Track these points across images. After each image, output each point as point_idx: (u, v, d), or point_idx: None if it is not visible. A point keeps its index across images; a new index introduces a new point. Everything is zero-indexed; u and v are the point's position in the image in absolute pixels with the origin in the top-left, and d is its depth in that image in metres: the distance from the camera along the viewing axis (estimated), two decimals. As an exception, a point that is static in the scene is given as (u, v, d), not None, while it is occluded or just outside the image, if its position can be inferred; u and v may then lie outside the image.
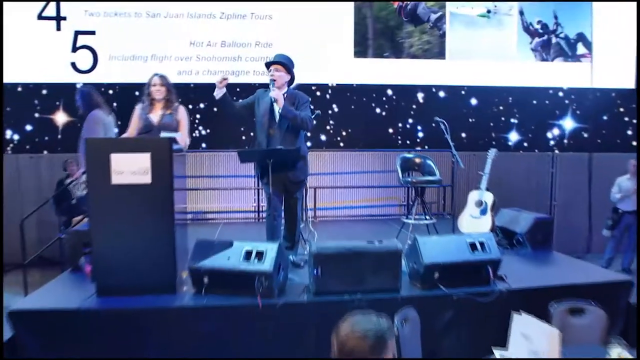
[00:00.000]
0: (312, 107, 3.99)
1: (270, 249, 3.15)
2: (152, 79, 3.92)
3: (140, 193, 3.11)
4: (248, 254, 3.16)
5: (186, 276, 3.30)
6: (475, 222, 4.48)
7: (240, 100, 4.01)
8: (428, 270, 3.31)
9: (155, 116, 3.87)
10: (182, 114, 3.95)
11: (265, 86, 3.98)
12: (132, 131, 3.89)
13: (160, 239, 3.17)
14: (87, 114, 4.70)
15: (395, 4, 6.67)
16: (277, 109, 3.76)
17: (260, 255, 3.14)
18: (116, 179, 3.10)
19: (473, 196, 4.60)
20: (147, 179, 3.11)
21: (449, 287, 3.31)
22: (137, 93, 6.34)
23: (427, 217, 4.76)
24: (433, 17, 6.74)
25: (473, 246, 3.46)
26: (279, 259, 3.17)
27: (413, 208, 4.80)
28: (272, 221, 3.81)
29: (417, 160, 4.93)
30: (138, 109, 3.93)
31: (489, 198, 4.51)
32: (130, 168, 3.10)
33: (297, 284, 3.44)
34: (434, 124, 4.78)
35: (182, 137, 3.76)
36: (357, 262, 3.17)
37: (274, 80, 3.79)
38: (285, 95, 3.83)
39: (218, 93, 3.74)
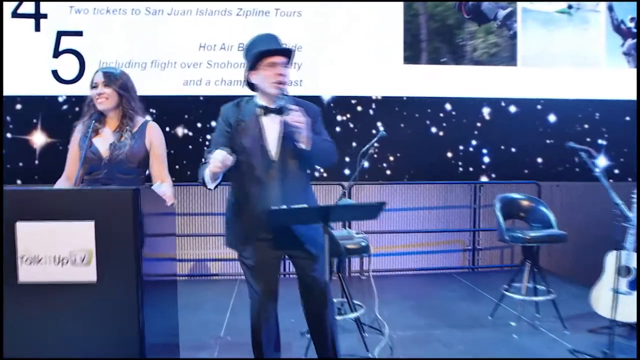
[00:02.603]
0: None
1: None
2: (94, 78, 2.29)
3: (76, 301, 1.47)
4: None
5: None
6: (623, 301, 2.77)
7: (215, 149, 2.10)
8: None
9: (103, 142, 2.23)
10: (153, 135, 2.31)
11: (226, 99, 2.30)
12: (70, 171, 2.27)
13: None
14: None
15: (455, -2, 5.05)
16: (275, 137, 2.09)
17: None
18: (27, 274, 1.47)
19: (613, 260, 2.89)
20: (88, 272, 1.47)
21: None
22: (133, 108, 4.89)
23: (541, 285, 3.07)
24: (501, 13, 5.10)
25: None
26: None
27: (522, 276, 3.11)
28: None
29: (525, 203, 3.29)
30: (77, 131, 2.32)
31: (641, 264, 2.82)
32: (56, 251, 1.47)
33: None
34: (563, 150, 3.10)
35: (167, 190, 2.13)
36: None
37: (283, 85, 2.09)
38: (287, 109, 2.08)
39: (213, 179, 2.04)
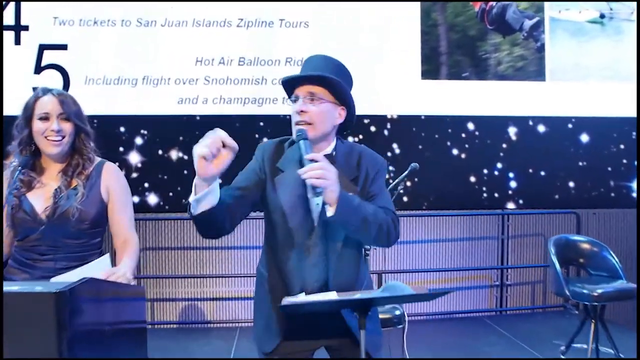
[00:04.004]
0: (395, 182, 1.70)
1: None
2: (38, 102, 1.67)
3: None
4: None
5: None
6: None
7: (230, 188, 1.59)
8: None
9: (40, 194, 1.65)
10: (111, 179, 1.74)
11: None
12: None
13: None
14: None
15: (477, 6, 4.52)
16: (316, 202, 1.55)
17: None
18: None
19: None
20: None
21: None
22: (122, 129, 4.36)
23: (606, 348, 2.50)
24: (527, 23, 4.57)
25: None
26: None
27: (588, 337, 2.54)
28: None
29: (585, 246, 2.74)
30: (5, 180, 1.74)
31: None
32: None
33: None
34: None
35: (125, 270, 1.56)
36: None
37: (302, 131, 1.56)
38: (333, 156, 1.62)
39: (202, 188, 1.38)
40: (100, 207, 1.70)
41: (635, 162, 4.70)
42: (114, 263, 1.69)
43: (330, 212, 1.44)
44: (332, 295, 1.30)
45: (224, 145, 1.34)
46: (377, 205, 1.55)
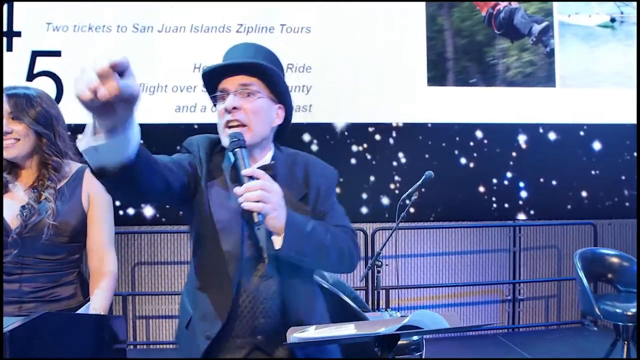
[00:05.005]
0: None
1: None
2: None
3: None
4: None
5: None
6: None
7: (168, 159, 1.23)
8: None
9: (10, 206, 1.46)
10: (92, 187, 1.53)
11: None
12: None
13: None
14: None
15: (484, 10, 4.36)
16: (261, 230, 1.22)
17: None
18: None
19: None
20: None
21: None
22: (117, 138, 4.18)
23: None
24: (536, 28, 4.41)
25: None
26: None
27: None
28: None
29: (614, 260, 2.54)
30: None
31: None
32: None
33: None
34: None
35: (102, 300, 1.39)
36: None
37: (238, 136, 1.20)
38: (272, 167, 1.30)
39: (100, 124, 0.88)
40: (82, 217, 1.52)
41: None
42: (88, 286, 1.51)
43: (277, 243, 1.15)
44: (349, 329, 1.09)
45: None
46: (332, 225, 1.28)
